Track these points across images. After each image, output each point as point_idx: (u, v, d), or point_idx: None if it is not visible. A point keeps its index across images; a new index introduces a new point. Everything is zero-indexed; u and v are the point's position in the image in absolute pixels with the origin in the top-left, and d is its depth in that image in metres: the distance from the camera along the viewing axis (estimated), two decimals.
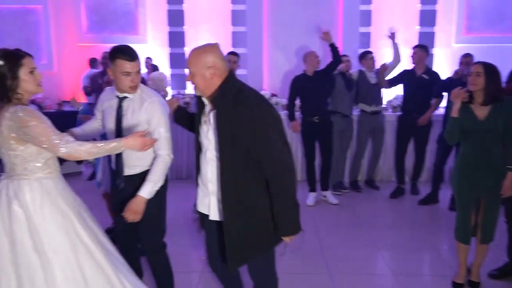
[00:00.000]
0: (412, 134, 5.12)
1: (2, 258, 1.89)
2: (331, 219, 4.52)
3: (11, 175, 1.99)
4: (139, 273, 2.64)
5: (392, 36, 5.23)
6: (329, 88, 4.91)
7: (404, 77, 5.06)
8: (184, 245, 3.78)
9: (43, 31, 7.63)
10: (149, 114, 2.38)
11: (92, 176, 5.39)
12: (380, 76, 5.11)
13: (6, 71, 1.92)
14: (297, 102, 4.92)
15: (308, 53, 4.79)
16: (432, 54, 7.02)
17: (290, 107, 4.85)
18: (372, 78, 5.25)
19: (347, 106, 5.17)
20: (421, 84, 4.90)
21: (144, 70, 7.06)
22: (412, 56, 4.99)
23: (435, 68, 6.51)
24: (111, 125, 2.45)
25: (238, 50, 6.76)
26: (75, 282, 1.95)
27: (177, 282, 2.75)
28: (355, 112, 5.42)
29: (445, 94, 4.76)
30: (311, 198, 4.91)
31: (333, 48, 4.68)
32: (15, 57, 1.95)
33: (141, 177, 2.42)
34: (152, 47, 7.55)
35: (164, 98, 5.49)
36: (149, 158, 2.45)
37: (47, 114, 2.03)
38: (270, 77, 7.42)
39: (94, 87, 4.80)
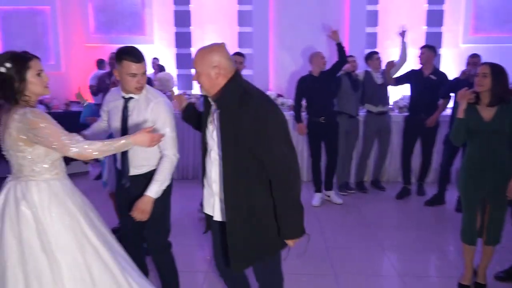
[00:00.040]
0: (419, 135, 5.10)
1: (10, 258, 1.90)
2: (336, 219, 4.52)
3: (19, 177, 2.01)
4: (144, 272, 2.65)
5: (402, 34, 5.23)
6: (335, 88, 4.91)
7: (411, 77, 5.04)
8: (189, 245, 3.80)
9: (51, 31, 7.69)
10: (154, 114, 2.40)
11: (99, 176, 5.42)
12: (386, 73, 5.10)
13: (13, 74, 1.94)
14: (303, 102, 4.92)
15: (314, 54, 4.79)
16: (439, 55, 6.99)
17: (296, 108, 4.85)
18: (378, 79, 5.23)
19: (353, 107, 5.16)
20: (428, 84, 4.88)
21: (150, 70, 7.10)
22: (419, 56, 4.97)
23: (442, 68, 6.47)
24: (117, 124, 2.47)
25: (244, 51, 6.78)
26: (82, 282, 1.97)
27: (182, 281, 2.76)
28: (361, 113, 5.41)
29: (452, 94, 4.74)
30: (316, 198, 4.91)
31: (340, 47, 4.67)
32: (22, 60, 1.97)
33: (147, 177, 2.44)
34: (158, 47, 7.59)
35: (171, 99, 5.52)
36: (155, 158, 2.47)
37: (55, 114, 2.05)
38: (276, 78, 7.42)
39: (101, 87, 4.85)
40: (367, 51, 5.89)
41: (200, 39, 7.29)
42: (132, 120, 2.43)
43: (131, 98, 2.44)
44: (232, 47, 7.00)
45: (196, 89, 7.11)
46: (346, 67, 4.95)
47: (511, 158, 2.79)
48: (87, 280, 1.98)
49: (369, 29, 7.25)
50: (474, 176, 2.86)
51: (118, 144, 2.02)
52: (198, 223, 4.23)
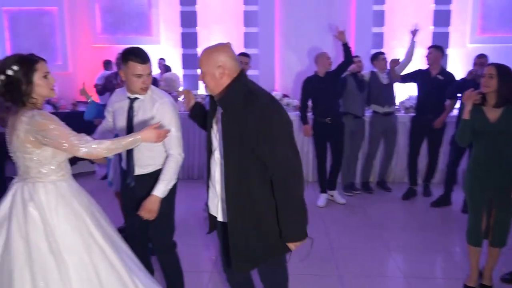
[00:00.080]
0: (425, 135, 5.08)
1: (17, 259, 1.91)
2: (342, 220, 4.51)
3: (25, 178, 2.03)
4: (150, 272, 2.66)
5: (414, 32, 5.23)
6: (340, 89, 4.90)
7: (418, 77, 5.02)
8: (194, 245, 3.81)
9: (58, 32, 7.76)
10: (160, 114, 2.42)
11: (106, 176, 5.46)
12: (391, 71, 5.09)
13: (21, 76, 1.95)
14: (309, 103, 4.91)
15: (319, 54, 4.79)
16: (446, 55, 6.95)
17: (302, 109, 4.84)
18: (384, 79, 5.22)
19: (358, 107, 5.15)
20: (436, 85, 4.86)
21: (157, 70, 7.13)
22: (427, 57, 4.95)
23: (449, 68, 6.44)
24: (122, 125, 2.49)
25: (250, 51, 6.79)
26: (89, 283, 1.97)
27: (187, 281, 2.77)
28: (367, 113, 5.40)
29: (459, 95, 4.71)
30: (322, 199, 4.91)
31: (346, 48, 4.66)
32: (29, 62, 1.99)
33: (152, 177, 2.47)
34: (165, 48, 7.62)
35: (177, 99, 5.54)
36: (160, 157, 2.49)
37: (62, 114, 2.07)
38: (282, 78, 7.42)
39: (109, 87, 4.86)
40: (373, 51, 5.87)
41: (206, 40, 7.31)
42: (138, 120, 2.45)
43: (136, 98, 2.46)
44: (238, 48, 7.01)
45: (202, 89, 7.13)
46: (352, 67, 4.94)
47: None
48: (94, 280, 1.98)
49: (376, 29, 7.23)
50: (480, 177, 2.84)
51: (126, 142, 2.04)
52: (204, 223, 4.24)
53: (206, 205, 2.25)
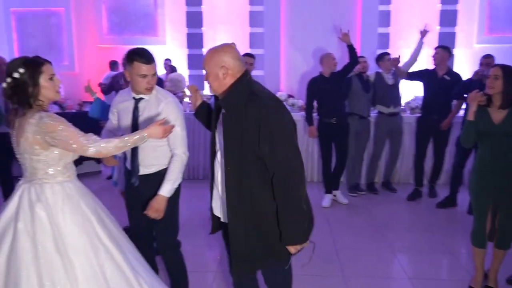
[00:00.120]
0: (431, 136, 5.06)
1: (24, 258, 1.93)
2: (346, 221, 4.50)
3: (32, 179, 2.04)
4: (154, 271, 2.68)
5: (424, 33, 5.20)
6: (346, 90, 4.90)
7: (425, 76, 5.00)
8: (199, 245, 3.82)
9: (65, 33, 7.81)
10: (165, 113, 2.44)
11: (111, 176, 5.49)
12: (396, 69, 5.07)
13: (27, 79, 1.97)
14: (314, 104, 4.91)
15: (324, 55, 4.78)
16: (453, 55, 6.92)
17: (308, 110, 4.83)
18: (389, 80, 5.20)
19: (364, 108, 5.14)
20: (443, 85, 4.84)
21: (162, 71, 7.16)
22: (434, 57, 4.93)
23: (456, 69, 6.41)
24: (127, 124, 2.51)
25: (256, 51, 6.80)
26: (95, 282, 1.99)
27: (191, 281, 2.78)
28: (373, 114, 5.38)
29: (465, 95, 4.69)
30: (327, 199, 4.90)
31: (351, 49, 4.66)
32: (35, 65, 2.01)
33: (156, 176, 2.49)
34: (170, 48, 7.65)
35: (182, 100, 5.54)
36: (165, 157, 2.51)
37: (69, 115, 2.09)
38: (287, 78, 7.42)
39: (115, 87, 4.89)
40: (379, 51, 5.85)
41: (211, 40, 7.33)
42: (143, 120, 2.46)
43: (141, 98, 2.48)
44: (244, 48, 7.02)
45: (207, 90, 7.15)
46: (357, 68, 4.94)
47: None
48: (100, 280, 2.00)
49: (381, 29, 7.21)
50: (485, 178, 2.83)
51: (134, 139, 2.06)
52: (208, 223, 4.23)
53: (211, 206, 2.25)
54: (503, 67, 2.74)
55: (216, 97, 2.11)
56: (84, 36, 7.83)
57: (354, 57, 4.67)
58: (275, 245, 1.99)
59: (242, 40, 7.27)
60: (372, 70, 5.39)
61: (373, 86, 5.17)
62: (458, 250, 3.82)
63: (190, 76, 7.57)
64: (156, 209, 2.42)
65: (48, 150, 2.00)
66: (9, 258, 1.94)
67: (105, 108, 3.40)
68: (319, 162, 5.27)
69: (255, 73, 6.84)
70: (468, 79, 4.77)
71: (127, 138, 2.06)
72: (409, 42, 6.84)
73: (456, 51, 7.12)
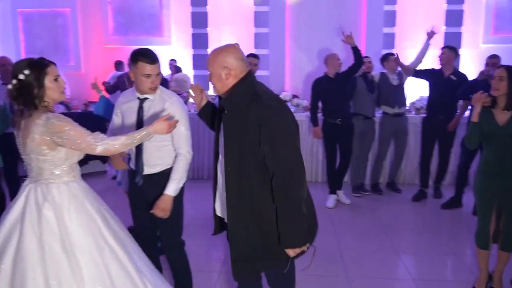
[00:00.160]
0: (437, 136, 5.03)
1: (30, 258, 1.94)
2: (350, 221, 4.50)
3: (38, 180, 2.06)
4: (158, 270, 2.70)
5: (431, 34, 5.18)
6: (350, 90, 4.89)
7: (431, 75, 4.98)
8: (203, 245, 3.83)
9: (71, 33, 7.87)
10: (170, 112, 2.44)
11: (116, 176, 5.52)
12: (401, 67, 5.06)
13: (32, 80, 1.99)
14: (319, 104, 4.91)
15: (329, 56, 4.78)
16: (459, 55, 6.89)
17: (313, 111, 4.82)
18: (394, 80, 5.19)
19: (369, 108, 5.13)
20: (449, 85, 4.82)
21: (167, 71, 7.19)
22: (440, 57, 4.91)
23: (462, 69, 6.38)
24: (132, 124, 2.52)
25: (261, 51, 6.81)
26: (101, 281, 2.00)
27: (196, 281, 2.79)
28: (378, 114, 5.37)
29: (471, 96, 4.66)
30: (331, 200, 4.90)
31: (356, 50, 4.65)
32: (40, 66, 2.02)
33: (160, 176, 2.51)
34: (176, 48, 7.68)
35: (187, 100, 5.56)
36: (169, 156, 2.53)
37: (74, 115, 2.11)
38: (292, 78, 7.42)
39: (121, 86, 4.92)
40: (384, 51, 5.84)
41: (216, 40, 7.34)
42: (148, 119, 2.48)
43: (146, 98, 2.50)
44: (249, 48, 7.04)
45: (212, 90, 7.17)
46: (361, 68, 4.92)
47: None
48: (106, 279, 2.01)
49: (387, 30, 7.19)
50: (489, 179, 2.82)
51: (140, 135, 2.10)
52: (212, 223, 4.25)
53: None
54: (508, 68, 2.72)
55: (220, 97, 2.12)
56: (90, 37, 7.88)
57: (358, 58, 4.66)
58: (275, 247, 1.96)
59: (247, 41, 7.29)
60: (377, 70, 5.38)
61: (378, 86, 5.16)
62: (463, 251, 3.81)
63: (195, 76, 7.60)
64: (162, 208, 2.44)
65: (55, 150, 2.02)
66: (15, 259, 1.95)
67: (109, 107, 3.42)
68: (324, 163, 5.27)
69: (260, 73, 6.86)
70: (474, 79, 4.75)
71: (134, 135, 2.09)
72: (415, 42, 6.82)
73: (462, 51, 7.09)
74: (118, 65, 7.31)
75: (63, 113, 2.11)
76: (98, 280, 1.99)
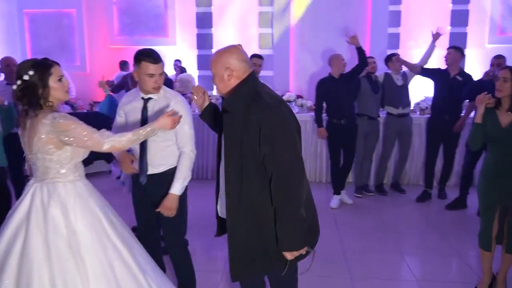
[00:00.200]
0: (442, 137, 5.01)
1: (36, 257, 1.96)
2: (354, 222, 4.49)
3: (44, 179, 2.08)
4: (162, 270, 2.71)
5: (436, 36, 5.16)
6: (355, 91, 4.88)
7: (437, 75, 4.97)
8: (207, 244, 3.84)
9: (77, 33, 7.92)
10: (173, 108, 2.47)
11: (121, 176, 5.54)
12: (407, 65, 5.05)
13: (36, 80, 2.02)
14: (324, 105, 4.90)
15: (333, 56, 4.77)
16: (464, 56, 6.86)
17: (317, 112, 4.82)
18: (398, 80, 5.18)
19: (373, 108, 5.12)
20: (455, 85, 4.80)
21: (172, 72, 7.21)
22: (446, 57, 4.90)
23: (467, 69, 6.35)
24: (136, 124, 2.54)
25: (265, 52, 6.82)
26: (106, 280, 2.02)
27: (199, 280, 2.80)
28: (382, 115, 5.36)
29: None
30: (335, 200, 4.89)
31: (360, 51, 4.64)
32: (44, 67, 2.05)
33: (163, 176, 2.53)
34: (180, 49, 7.70)
35: (191, 100, 5.58)
36: (173, 157, 2.55)
37: (80, 115, 2.12)
38: (296, 79, 7.42)
39: (127, 86, 4.95)
40: (389, 51, 5.82)
41: (221, 41, 7.36)
42: (152, 119, 2.49)
43: (150, 98, 2.52)
44: (253, 48, 7.04)
45: (216, 90, 7.19)
46: (366, 68, 4.92)
47: None
48: (110, 278, 2.03)
49: (392, 30, 7.17)
50: (492, 181, 2.80)
51: (145, 132, 2.13)
52: (215, 223, 4.26)
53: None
54: None
55: (223, 98, 2.12)
56: (96, 37, 7.92)
57: (363, 59, 4.65)
58: (273, 249, 1.94)
59: (252, 41, 7.29)
60: (381, 70, 5.36)
61: (382, 87, 5.15)
62: (467, 253, 3.79)
63: (199, 76, 7.62)
64: (169, 207, 2.47)
65: (61, 150, 2.04)
66: (21, 258, 1.97)
67: (113, 105, 3.45)
68: (328, 163, 5.26)
69: (264, 73, 6.86)
70: (479, 80, 4.73)
71: (139, 131, 2.13)
72: (420, 43, 6.81)
73: (467, 52, 7.05)
74: (123, 65, 7.34)
75: (68, 113, 2.12)
76: (103, 278, 2.01)
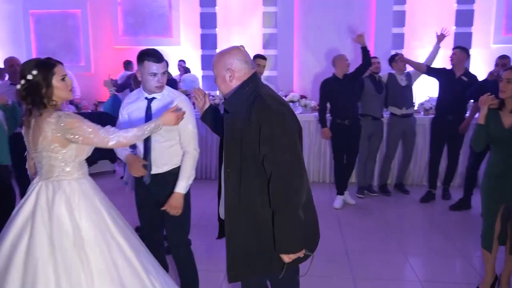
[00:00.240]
0: (446, 137, 5.00)
1: (41, 255, 1.98)
2: (357, 222, 4.48)
3: (49, 177, 2.10)
4: (164, 270, 2.72)
5: (441, 37, 5.14)
6: (358, 91, 4.88)
7: (442, 75, 4.95)
8: (210, 244, 3.84)
9: (82, 34, 7.96)
10: (177, 104, 2.48)
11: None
12: (412, 64, 5.04)
13: (40, 80, 2.04)
14: (328, 105, 4.90)
15: (337, 57, 4.77)
16: (469, 56, 6.83)
17: (321, 112, 4.81)
18: (402, 81, 5.16)
19: (377, 109, 5.11)
20: (459, 86, 4.78)
21: (176, 72, 7.23)
22: (451, 57, 4.88)
23: (472, 69, 6.32)
24: (140, 123, 2.55)
25: (269, 52, 6.82)
26: (109, 277, 2.03)
27: (201, 280, 2.81)
28: (386, 115, 5.35)
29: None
30: (338, 201, 4.88)
31: (365, 51, 4.64)
32: (47, 66, 2.07)
33: (166, 175, 2.54)
34: (185, 49, 7.72)
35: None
36: (177, 156, 2.57)
37: (85, 115, 2.14)
38: (300, 79, 7.42)
39: (131, 86, 4.98)
40: (393, 52, 5.80)
41: (225, 41, 7.37)
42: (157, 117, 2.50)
43: (154, 98, 2.53)
44: (257, 49, 7.05)
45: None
46: (369, 68, 4.91)
47: None
48: (114, 275, 2.04)
49: (396, 30, 7.15)
50: (495, 182, 2.79)
51: (150, 127, 2.17)
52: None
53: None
54: None
55: (225, 98, 2.12)
56: (100, 37, 7.95)
57: (367, 59, 4.65)
58: (271, 251, 1.93)
59: (256, 41, 7.30)
60: (385, 71, 5.35)
61: (386, 87, 5.14)
62: (471, 254, 3.77)
63: (203, 77, 7.63)
64: (174, 206, 2.50)
65: (66, 148, 2.06)
66: (26, 256, 1.98)
67: (117, 105, 3.47)
68: (332, 163, 5.26)
69: (268, 73, 6.88)
70: (484, 80, 4.71)
71: (144, 126, 2.16)
72: (424, 43, 6.79)
73: (472, 52, 7.00)
74: (127, 65, 7.37)
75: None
76: (107, 276, 2.02)
